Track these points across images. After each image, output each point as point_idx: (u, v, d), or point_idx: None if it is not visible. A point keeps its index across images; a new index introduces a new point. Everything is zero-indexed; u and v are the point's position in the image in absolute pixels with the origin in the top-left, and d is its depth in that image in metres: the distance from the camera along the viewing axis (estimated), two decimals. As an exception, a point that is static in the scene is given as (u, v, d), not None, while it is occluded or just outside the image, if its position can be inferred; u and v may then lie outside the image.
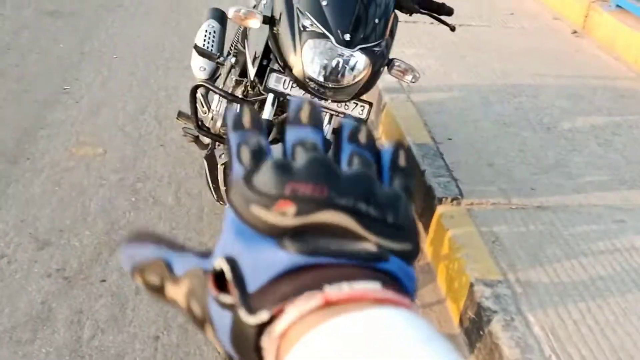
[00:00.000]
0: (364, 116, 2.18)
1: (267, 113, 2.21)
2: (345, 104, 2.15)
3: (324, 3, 2.03)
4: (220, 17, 3.30)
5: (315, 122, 0.43)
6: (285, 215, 0.38)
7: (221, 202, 2.73)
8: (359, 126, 0.44)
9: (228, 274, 0.39)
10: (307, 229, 0.38)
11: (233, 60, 2.80)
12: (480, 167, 3.16)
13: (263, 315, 0.37)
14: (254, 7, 2.46)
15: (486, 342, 2.21)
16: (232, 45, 3.01)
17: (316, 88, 2.06)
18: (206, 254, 0.42)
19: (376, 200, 0.39)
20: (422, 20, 5.16)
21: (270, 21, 2.15)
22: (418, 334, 0.35)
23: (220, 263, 0.39)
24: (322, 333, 0.35)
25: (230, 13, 2.13)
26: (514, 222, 2.75)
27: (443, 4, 2.43)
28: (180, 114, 2.89)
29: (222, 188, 2.65)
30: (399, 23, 5.08)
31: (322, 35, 2.01)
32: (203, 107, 2.88)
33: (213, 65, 3.09)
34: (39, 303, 2.41)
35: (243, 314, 0.37)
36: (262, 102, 2.34)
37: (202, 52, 3.05)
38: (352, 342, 0.34)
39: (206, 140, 2.85)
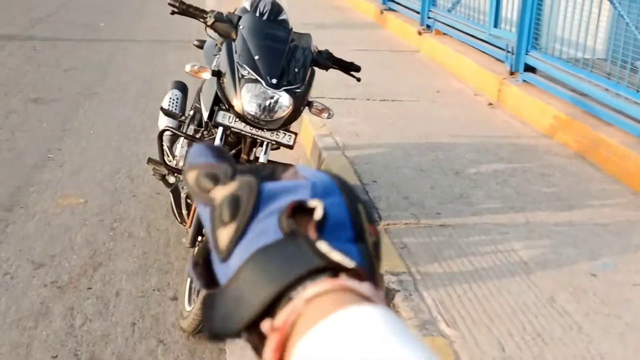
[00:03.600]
0: (291, 143, 2.89)
1: (217, 143, 2.92)
2: (277, 133, 2.87)
3: (256, 57, 2.78)
4: (182, 87, 4.06)
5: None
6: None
7: (184, 224, 3.38)
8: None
9: (318, 215, 0.47)
10: None
11: (191, 113, 3.53)
12: (397, 199, 3.87)
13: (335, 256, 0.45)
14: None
15: (391, 313, 2.85)
16: (192, 105, 3.74)
17: (253, 120, 2.78)
18: (268, 172, 0.51)
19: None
20: (359, 97, 6.02)
21: (217, 74, 2.89)
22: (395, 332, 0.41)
23: (317, 205, 0.47)
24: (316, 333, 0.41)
25: (187, 68, 2.87)
26: (420, 236, 3.45)
27: (352, 63, 3.19)
28: (150, 160, 3.57)
29: (185, 212, 3.32)
30: (342, 100, 5.85)
31: (256, 81, 2.75)
32: (168, 156, 3.57)
33: (176, 122, 3.80)
34: (39, 303, 3.00)
35: (322, 246, 0.45)
36: (214, 140, 3.05)
37: (167, 113, 3.78)
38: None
39: (171, 179, 3.53)
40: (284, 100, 2.77)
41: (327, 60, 3.08)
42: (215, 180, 0.51)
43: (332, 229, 0.48)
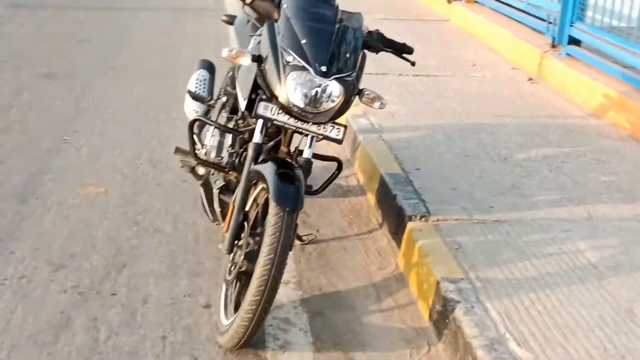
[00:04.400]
0: (340, 137, 2.57)
1: (257, 138, 2.60)
2: (324, 127, 2.54)
3: (303, 41, 2.45)
4: (209, 66, 3.73)
5: None
6: None
7: (216, 223, 3.08)
8: None
9: None
10: None
11: (224, 99, 3.21)
12: (445, 191, 3.55)
13: None
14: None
15: (451, 327, 2.55)
16: (221, 89, 3.42)
17: (299, 112, 2.45)
18: None
19: None
20: (392, 72, 5.67)
21: (258, 59, 2.56)
22: None
23: None
24: None
25: (224, 53, 2.54)
26: (474, 234, 3.13)
27: (404, 44, 2.85)
28: (178, 150, 3.27)
29: (217, 210, 3.02)
30: (372, 75, 5.54)
31: (303, 68, 2.42)
32: (197, 143, 3.26)
33: (205, 107, 3.49)
34: (58, 313, 2.72)
35: None
36: (252, 132, 2.73)
37: (194, 96, 3.46)
38: None
39: (201, 171, 3.22)
40: (335, 90, 2.44)
41: (379, 42, 2.74)
42: None
43: None
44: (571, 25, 5.60)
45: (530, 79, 5.74)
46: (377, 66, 5.53)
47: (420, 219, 3.24)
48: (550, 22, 5.88)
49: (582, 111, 4.96)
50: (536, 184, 3.69)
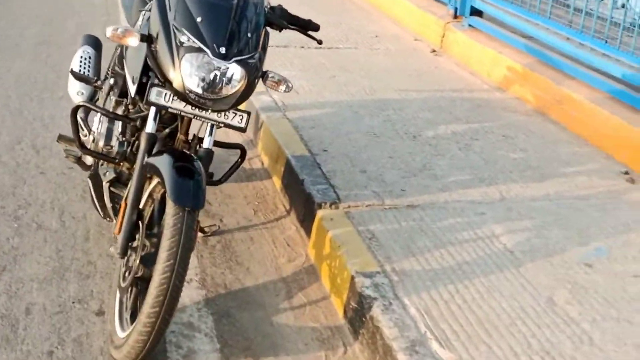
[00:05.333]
0: (243, 125, 2.33)
1: (150, 127, 2.31)
2: (225, 114, 2.29)
3: (198, 19, 2.18)
4: (95, 43, 3.37)
5: None
6: None
7: (108, 219, 2.78)
8: None
9: None
10: None
11: (112, 81, 2.89)
12: (354, 174, 3.37)
13: None
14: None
15: (368, 327, 2.39)
16: (109, 68, 3.08)
17: (196, 99, 2.19)
18: None
19: None
20: (293, 44, 5.43)
21: (147, 39, 2.27)
22: None
23: None
24: None
25: (108, 32, 2.23)
26: (387, 221, 2.98)
27: (310, 21, 2.63)
28: (61, 137, 2.92)
29: (109, 205, 2.72)
30: (274, 48, 5.27)
31: (199, 50, 2.15)
32: (83, 130, 2.93)
33: (91, 89, 3.15)
34: None
35: None
36: (144, 119, 2.44)
37: (79, 77, 3.11)
38: None
39: (89, 160, 2.90)
40: (236, 73, 2.18)
41: (282, 19, 2.49)
42: None
43: None
44: (473, -4, 5.51)
45: (434, 51, 5.63)
46: (277, 38, 5.26)
47: (330, 206, 3.05)
48: (452, -7, 5.77)
49: (487, 84, 4.89)
50: (447, 163, 3.57)
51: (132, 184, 2.31)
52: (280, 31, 2.57)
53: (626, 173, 3.58)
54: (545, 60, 4.60)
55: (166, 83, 2.22)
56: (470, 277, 2.60)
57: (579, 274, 2.67)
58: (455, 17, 5.72)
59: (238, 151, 2.72)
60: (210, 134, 2.36)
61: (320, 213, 3.01)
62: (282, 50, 5.25)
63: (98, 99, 3.14)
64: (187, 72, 2.15)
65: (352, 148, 3.67)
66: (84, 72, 3.16)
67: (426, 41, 5.87)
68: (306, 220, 3.14)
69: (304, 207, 3.18)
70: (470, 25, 5.52)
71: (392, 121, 4.08)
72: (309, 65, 5.01)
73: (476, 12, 5.52)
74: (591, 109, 4.00)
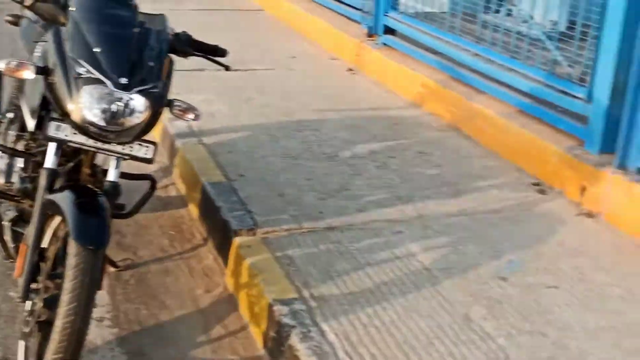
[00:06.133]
0: (149, 155, 2.26)
1: (50, 162, 2.22)
2: (130, 146, 2.22)
3: (97, 50, 2.10)
4: (-5, 75, 3.23)
5: None
6: None
7: (11, 260, 2.65)
8: None
9: None
10: None
11: (11, 115, 2.77)
12: (272, 198, 3.34)
13: None
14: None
15: (287, 356, 2.35)
16: (9, 102, 2.96)
17: (98, 132, 2.11)
18: None
19: None
20: (209, 68, 5.33)
21: (44, 72, 2.18)
22: None
23: None
24: None
25: (1, 66, 2.13)
26: (305, 245, 2.95)
27: (217, 46, 2.59)
28: (-41, 176, 2.78)
29: (10, 245, 2.60)
30: (189, 72, 5.22)
31: (98, 81, 2.08)
32: (-17, 168, 2.79)
33: (-10, 124, 3.01)
34: None
35: None
36: (45, 154, 2.34)
37: (-23, 112, 2.97)
38: None
39: (-11, 199, 2.77)
40: (138, 104, 2.12)
41: (187, 46, 2.45)
42: None
43: None
44: (385, 15, 5.58)
45: (350, 70, 5.67)
46: (192, 62, 5.19)
47: (247, 232, 3.01)
48: (365, 12, 5.84)
49: (402, 101, 4.95)
50: (364, 183, 3.58)
51: (32, 224, 2.21)
52: (186, 58, 2.52)
53: (536, 184, 3.67)
54: (457, 77, 4.69)
55: (65, 116, 2.14)
56: (389, 298, 2.60)
57: (494, 289, 2.70)
58: (370, 36, 5.78)
59: (148, 182, 2.64)
60: (117, 166, 2.28)
61: (237, 240, 2.96)
62: (197, 73, 5.17)
63: (-1, 134, 3.01)
64: (87, 104, 2.08)
65: (269, 172, 3.64)
66: (-18, 107, 3.02)
67: (342, 60, 5.91)
68: (223, 248, 3.08)
69: (221, 235, 3.13)
70: (384, 43, 5.59)
71: (309, 142, 4.08)
72: (225, 89, 4.96)
73: (389, 31, 5.60)
74: (501, 123, 4.09)
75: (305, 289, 2.63)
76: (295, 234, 3.04)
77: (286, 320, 2.43)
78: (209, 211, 3.31)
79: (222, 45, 2.65)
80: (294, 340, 2.34)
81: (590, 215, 3.36)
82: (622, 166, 3.30)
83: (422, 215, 3.27)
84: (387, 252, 2.93)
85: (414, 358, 2.28)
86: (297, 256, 2.85)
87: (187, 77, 4.96)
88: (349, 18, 6.32)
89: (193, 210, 3.54)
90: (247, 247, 2.91)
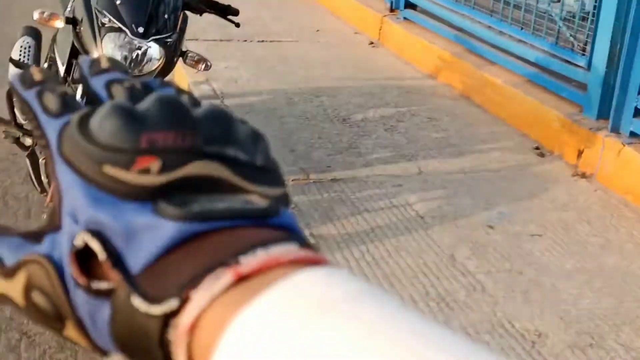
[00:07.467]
0: (164, 100, 2.54)
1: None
2: (147, 90, 2.50)
3: (118, 2, 2.38)
4: (34, 33, 3.54)
5: (119, 68, 0.37)
6: (149, 173, 0.32)
7: (45, 194, 2.96)
8: (96, 58, 0.37)
9: (101, 253, 0.31)
10: (177, 186, 0.32)
11: (46, 65, 3.07)
12: (283, 153, 3.60)
13: (172, 303, 0.29)
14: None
15: (285, 284, 2.61)
16: (47, 56, 3.26)
17: (118, 76, 2.39)
18: (36, 235, 0.35)
19: (240, 141, 0.34)
20: (236, 38, 5.63)
21: (73, 22, 2.47)
22: (354, 288, 0.29)
23: (84, 238, 0.31)
24: (250, 318, 0.28)
25: (35, 15, 2.43)
26: (310, 193, 3.21)
27: (229, 6, 2.85)
28: (0, 120, 3.10)
29: (45, 180, 2.90)
30: (217, 42, 5.48)
31: (119, 30, 2.36)
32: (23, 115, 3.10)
33: (30, 76, 3.32)
34: None
35: (139, 302, 0.30)
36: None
37: (17, 64, 3.28)
38: (289, 320, 0.27)
39: (28, 141, 3.08)
40: (154, 51, 2.40)
41: (200, 4, 2.71)
42: None
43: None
44: (407, -11, 5.78)
45: (372, 43, 5.89)
46: (221, 33, 5.48)
47: (258, 181, 3.27)
48: (388, -13, 6.04)
49: (419, 73, 5.16)
50: (372, 143, 3.81)
51: (62, 156, 2.50)
52: (200, 15, 2.78)
53: (537, 148, 3.86)
54: (471, 48, 4.88)
55: (90, 62, 2.42)
56: (381, 239, 2.84)
57: (481, 235, 2.93)
58: (392, 10, 5.99)
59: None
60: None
61: (248, 188, 3.23)
62: (225, 43, 5.45)
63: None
64: (109, 50, 2.36)
65: (283, 130, 3.89)
66: (23, 60, 3.33)
67: (365, 34, 6.12)
68: (237, 195, 3.35)
69: (235, 184, 3.40)
70: (405, 17, 5.79)
71: (325, 106, 4.32)
72: (249, 58, 5.23)
73: (410, 5, 5.79)
74: (509, 91, 4.28)
75: (306, 228, 2.88)
76: (302, 184, 3.29)
77: (286, 253, 2.69)
78: (226, 164, 3.58)
79: (243, 12, 2.89)
80: (291, 269, 2.60)
81: (584, 176, 3.55)
82: (614, 130, 3.48)
83: (422, 172, 3.50)
84: (385, 201, 3.17)
85: (399, 287, 2.53)
86: (302, 202, 3.11)
87: (214, 46, 5.26)
88: (373, -6, 6.53)
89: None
90: (257, 193, 3.17)
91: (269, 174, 0.35)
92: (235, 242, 0.30)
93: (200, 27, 5.56)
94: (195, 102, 0.36)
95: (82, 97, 1.83)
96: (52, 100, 0.33)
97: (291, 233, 0.32)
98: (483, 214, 3.10)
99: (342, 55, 5.51)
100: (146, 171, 0.31)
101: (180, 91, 0.37)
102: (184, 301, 0.29)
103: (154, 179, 0.31)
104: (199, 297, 0.29)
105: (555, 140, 3.84)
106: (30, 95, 0.34)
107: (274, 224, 0.32)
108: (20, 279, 0.33)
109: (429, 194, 3.26)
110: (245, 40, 5.62)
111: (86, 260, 0.31)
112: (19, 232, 0.35)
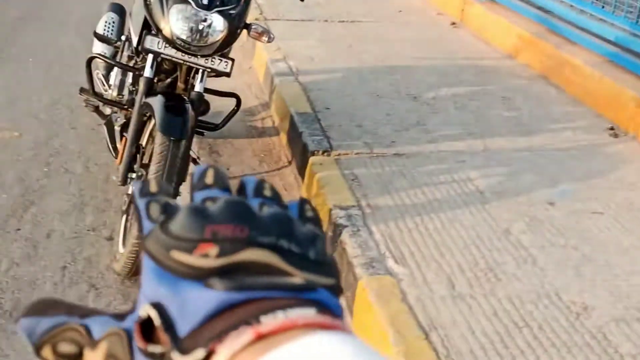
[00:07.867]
0: (228, 70, 2.66)
1: (148, 72, 2.67)
2: (212, 60, 2.63)
3: (184, -25, 2.52)
4: (119, 9, 3.75)
5: (222, 184, 0.42)
6: (208, 256, 0.37)
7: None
8: (263, 182, 0.44)
9: (156, 320, 0.37)
10: (232, 269, 0.37)
11: (123, 38, 3.26)
12: (350, 128, 3.67)
13: (198, 354, 0.35)
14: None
15: (338, 251, 2.69)
16: (128, 30, 3.46)
17: (183, 45, 2.53)
18: (122, 315, 0.40)
19: (297, 237, 0.39)
20: (317, 19, 5.73)
21: (144, -4, 2.63)
22: (360, 353, 0.33)
23: (146, 309, 0.37)
24: None
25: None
26: (372, 166, 3.27)
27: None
28: (82, 90, 3.31)
29: (120, 147, 3.10)
30: (299, 21, 5.60)
31: (185, 1, 2.49)
32: (104, 85, 3.31)
33: (112, 49, 3.53)
34: (-39, 247, 2.79)
35: (176, 356, 0.35)
36: (146, 68, 2.80)
37: (101, 38, 3.49)
38: None
39: (107, 111, 3.29)
40: (217, 23, 2.52)
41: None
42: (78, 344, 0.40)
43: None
44: (491, -30, 5.70)
45: (453, 24, 5.85)
46: (303, 13, 5.59)
47: (322, 153, 3.36)
48: (472, -33, 5.97)
49: (498, 53, 5.10)
50: (440, 120, 3.83)
51: (132, 121, 2.67)
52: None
53: (611, 129, 3.77)
54: (552, 28, 4.79)
55: (159, 33, 2.57)
56: (437, 211, 2.88)
57: (540, 211, 2.91)
58: (475, -10, 5.92)
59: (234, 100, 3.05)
60: (201, 80, 2.70)
61: (312, 159, 3.32)
62: (306, 23, 5.56)
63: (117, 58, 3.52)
64: (175, 20, 2.50)
65: (353, 107, 3.96)
66: (106, 34, 3.54)
67: (447, 15, 6.08)
68: (302, 168, 3.46)
69: (301, 156, 3.50)
70: (488, -2, 5.71)
71: (397, 84, 4.35)
72: (328, 37, 5.31)
73: (494, -14, 5.71)
74: (587, 71, 4.19)
75: (364, 199, 2.95)
76: (365, 157, 3.36)
77: (341, 221, 2.77)
78: (294, 137, 3.69)
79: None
80: (345, 236, 2.68)
81: (658, 157, 3.45)
82: (692, 109, 3.36)
83: (488, 149, 3.49)
84: (446, 175, 3.19)
85: (448, 257, 2.56)
86: (362, 174, 3.18)
87: (295, 26, 5.37)
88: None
89: (283, 137, 3.94)
90: (320, 164, 3.26)
91: (321, 266, 0.39)
92: (262, 306, 0.35)
93: (284, 7, 5.70)
94: (307, 219, 0.41)
95: (151, 66, 2.20)
96: (155, 210, 0.39)
97: (322, 306, 0.37)
98: (545, 191, 3.08)
99: (421, 35, 5.51)
100: (205, 256, 0.37)
101: (304, 209, 0.42)
102: (210, 353, 0.34)
103: (210, 262, 0.37)
104: (223, 350, 0.34)
105: (631, 121, 3.74)
106: (141, 203, 0.40)
107: (308, 298, 0.37)
108: (102, 348, 0.39)
109: (491, 170, 3.26)
110: (326, 20, 5.70)
111: (151, 330, 0.37)
112: (109, 312, 0.40)
